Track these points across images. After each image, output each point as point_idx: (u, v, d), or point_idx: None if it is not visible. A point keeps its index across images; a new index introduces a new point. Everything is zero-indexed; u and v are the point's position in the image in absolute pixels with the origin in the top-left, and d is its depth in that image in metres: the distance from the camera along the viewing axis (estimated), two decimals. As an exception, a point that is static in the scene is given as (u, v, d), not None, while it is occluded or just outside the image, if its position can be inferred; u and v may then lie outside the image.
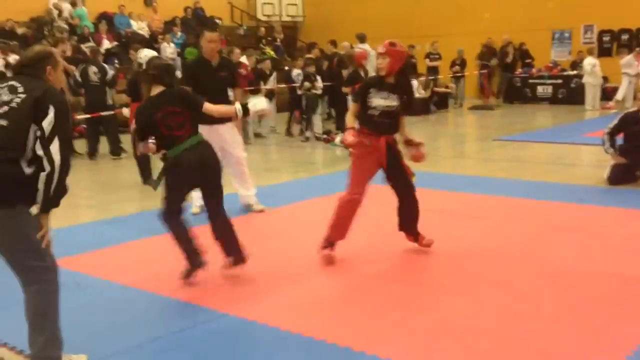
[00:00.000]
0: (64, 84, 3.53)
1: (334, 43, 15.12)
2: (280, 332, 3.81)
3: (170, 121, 4.42)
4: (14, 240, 3.18)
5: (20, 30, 15.07)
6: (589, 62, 15.98)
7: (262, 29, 20.28)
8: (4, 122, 3.13)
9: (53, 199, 3.16)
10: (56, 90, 3.29)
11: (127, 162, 10.04)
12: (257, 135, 13.15)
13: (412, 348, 3.57)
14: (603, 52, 17.72)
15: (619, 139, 7.67)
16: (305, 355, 3.55)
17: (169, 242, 4.87)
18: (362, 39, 14.35)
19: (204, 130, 6.07)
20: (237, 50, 12.68)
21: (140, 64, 8.70)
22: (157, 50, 16.84)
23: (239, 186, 6.90)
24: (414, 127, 14.42)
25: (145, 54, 8.74)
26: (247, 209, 6.81)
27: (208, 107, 4.55)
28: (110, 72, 11.02)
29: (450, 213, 6.51)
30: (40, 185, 3.10)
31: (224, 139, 6.51)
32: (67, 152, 3.17)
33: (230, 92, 6.81)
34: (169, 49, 17.12)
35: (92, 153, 11.00)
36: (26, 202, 3.15)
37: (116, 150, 10.93)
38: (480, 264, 4.95)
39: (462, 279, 4.65)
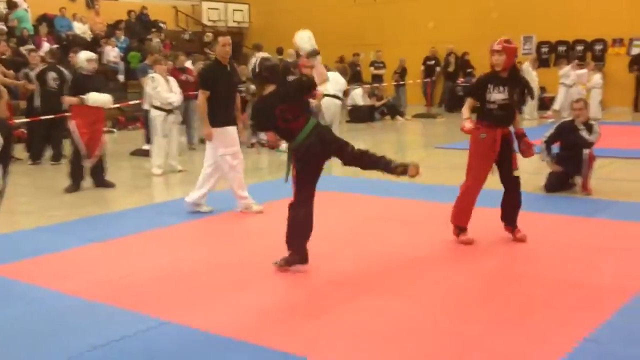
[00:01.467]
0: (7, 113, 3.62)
1: (280, 51, 15.15)
2: (223, 340, 3.80)
3: (287, 115, 4.78)
4: None
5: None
6: (527, 70, 16.41)
7: (208, 35, 20.15)
8: None
9: None
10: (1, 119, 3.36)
11: (67, 167, 9.83)
12: (202, 141, 13.01)
13: (350, 351, 3.60)
14: (542, 62, 18.24)
15: (556, 147, 7.90)
16: (248, 361, 3.55)
17: (108, 249, 4.81)
18: (259, 48, 14.39)
19: (216, 131, 6.65)
20: (181, 57, 12.55)
21: (80, 67, 8.55)
22: (100, 53, 16.57)
23: (239, 189, 6.94)
24: (358, 134, 14.57)
25: (82, 57, 8.61)
26: (248, 209, 6.94)
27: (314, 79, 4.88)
28: (70, 77, 10.73)
29: (394, 220, 6.60)
30: None
31: (236, 141, 6.83)
32: (7, 178, 3.35)
33: None
34: (113, 53, 16.85)
35: (38, 158, 10.71)
36: None
37: (57, 156, 10.68)
38: (419, 268, 5.04)
39: (405, 283, 4.72)
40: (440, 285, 4.68)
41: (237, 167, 6.81)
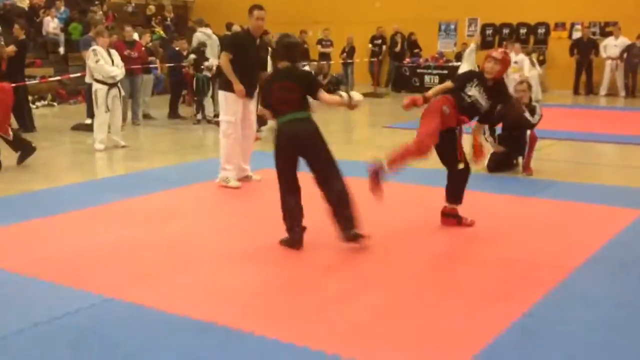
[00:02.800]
0: None
1: (228, 26, 14.93)
2: (167, 316, 3.75)
3: (282, 94, 4.82)
4: None
5: None
6: (471, 51, 16.67)
7: (152, 7, 19.70)
8: None
9: None
10: None
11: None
12: (146, 116, 12.80)
13: (293, 330, 3.62)
14: (486, 45, 18.51)
15: (498, 128, 8.04)
16: (193, 339, 3.52)
17: (49, 225, 4.69)
18: (200, 23, 14.20)
19: (225, 95, 6.82)
20: (128, 28, 12.25)
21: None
22: (39, 24, 16.05)
23: (242, 160, 7.08)
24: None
25: None
26: (246, 179, 7.14)
27: (323, 95, 4.93)
28: None
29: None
30: None
31: (251, 111, 6.97)
32: None
33: None
34: (52, 24, 16.33)
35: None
36: None
37: None
38: (375, 251, 5.09)
39: (346, 260, 4.76)
40: (380, 265, 4.73)
41: (230, 136, 6.85)
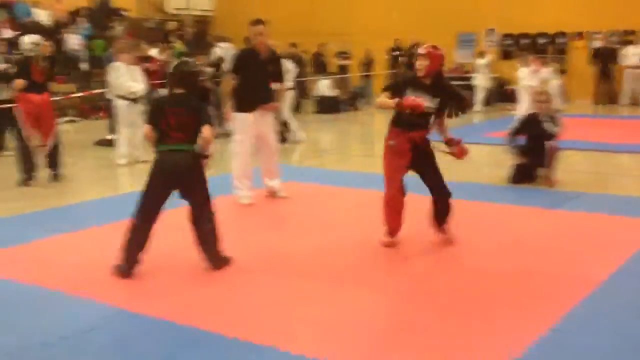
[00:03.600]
0: None
1: (247, 41, 15.01)
2: (191, 330, 3.77)
3: (173, 120, 4.58)
4: None
5: None
6: (479, 63, 16.64)
7: (171, 23, 19.89)
8: None
9: None
10: None
11: (11, 159, 9.66)
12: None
13: (323, 345, 3.61)
14: (505, 55, 18.49)
15: (521, 139, 8.00)
16: (218, 353, 3.53)
17: (73, 240, 4.74)
18: (220, 39, 14.38)
19: (256, 114, 6.74)
20: (144, 45, 12.37)
21: (26, 50, 8.31)
22: (61, 40, 16.25)
23: (267, 175, 7.12)
24: (324, 126, 14.59)
25: (27, 40, 8.39)
26: (272, 195, 7.14)
27: (205, 131, 4.64)
28: (2, 65, 10.46)
29: (358, 209, 6.62)
30: None
31: (268, 125, 6.92)
32: None
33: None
34: (73, 40, 16.53)
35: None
36: None
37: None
38: (384, 258, 5.10)
39: (372, 273, 4.75)
40: (409, 279, 4.72)
41: (238, 155, 6.86)
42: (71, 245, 5.52)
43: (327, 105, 16.53)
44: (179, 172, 4.63)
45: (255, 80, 6.69)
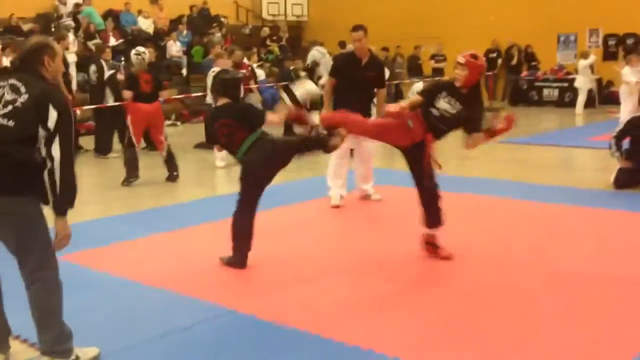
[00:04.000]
0: (61, 75, 3.50)
1: (342, 45, 15.11)
2: (288, 329, 3.83)
3: (224, 132, 4.83)
4: (18, 235, 3.21)
5: (25, 27, 15.07)
6: (581, 64, 15.99)
7: (267, 29, 20.28)
8: (10, 123, 3.14)
9: (63, 198, 3.18)
10: (53, 89, 3.28)
11: (116, 161, 10.08)
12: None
13: (417, 347, 3.59)
14: (609, 56, 17.73)
15: (626, 143, 7.68)
16: (313, 353, 3.57)
17: (175, 239, 4.91)
18: (315, 43, 14.42)
19: None
20: (238, 52, 12.64)
21: (132, 62, 8.67)
22: (163, 48, 16.90)
23: (361, 179, 7.17)
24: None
25: (132, 52, 8.74)
26: (366, 198, 7.17)
27: (269, 118, 4.91)
28: (108, 72, 10.96)
29: (455, 215, 6.51)
30: (46, 184, 3.14)
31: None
32: (68, 148, 3.17)
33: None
34: (175, 47, 17.14)
35: (99, 150, 11.00)
36: (38, 195, 3.20)
37: (102, 150, 10.88)
38: (484, 266, 4.97)
39: (466, 281, 4.66)
40: (501, 285, 4.61)
41: (333, 157, 6.86)
42: (172, 244, 5.72)
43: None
44: (269, 158, 4.85)
45: (354, 85, 6.69)
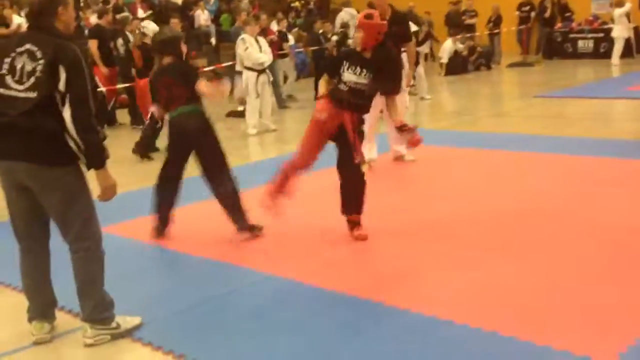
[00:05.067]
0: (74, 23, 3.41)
1: (371, 5, 14.86)
2: (326, 292, 3.86)
3: (167, 91, 4.80)
4: (62, 203, 3.26)
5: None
6: (617, 13, 15.51)
7: (295, -7, 20.12)
8: (33, 94, 3.14)
9: (90, 156, 3.20)
10: (64, 46, 3.19)
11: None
12: (290, 97, 13.07)
13: (456, 306, 3.58)
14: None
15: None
16: (349, 313, 3.58)
17: (211, 208, 4.95)
18: (345, 4, 14.12)
19: None
20: (263, 17, 12.54)
21: (144, 35, 8.68)
22: (191, 17, 16.88)
23: (393, 141, 6.92)
24: (452, 86, 14.26)
25: (151, 28, 8.75)
26: (399, 159, 7.03)
27: (200, 86, 4.73)
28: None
29: (492, 172, 6.45)
30: (73, 147, 3.18)
31: None
32: (78, 105, 3.14)
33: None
34: (203, 17, 17.10)
35: (134, 122, 11.10)
36: (75, 162, 3.25)
37: (136, 121, 10.90)
38: (525, 221, 4.91)
39: (506, 238, 4.62)
40: (554, 248, 4.55)
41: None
42: (208, 212, 5.75)
43: (454, 66, 16.11)
44: (187, 134, 4.81)
45: None
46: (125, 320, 3.52)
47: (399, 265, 4.25)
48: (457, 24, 17.71)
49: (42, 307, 3.52)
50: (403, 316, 3.50)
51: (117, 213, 5.28)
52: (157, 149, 8.40)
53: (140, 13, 15.73)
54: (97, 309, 3.42)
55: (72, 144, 3.18)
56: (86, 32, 12.57)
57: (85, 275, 3.39)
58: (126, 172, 7.68)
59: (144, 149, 8.34)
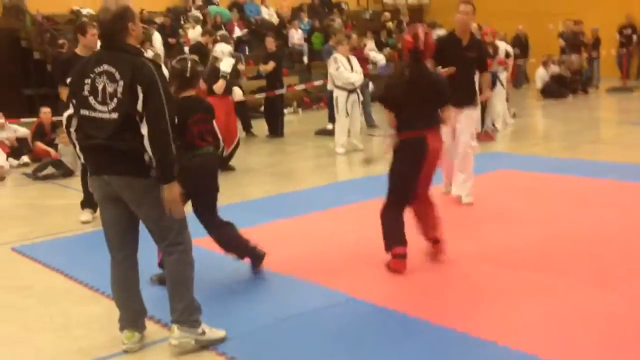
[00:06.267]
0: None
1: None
2: (408, 318, 3.82)
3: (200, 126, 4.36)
4: (156, 211, 3.38)
5: (158, 20, 15.82)
6: None
7: (387, 13, 20.15)
8: (115, 115, 3.27)
9: (162, 170, 3.27)
10: (140, 64, 3.27)
11: (258, 148, 10.35)
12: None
13: (547, 337, 3.47)
14: None
15: None
16: (434, 341, 3.54)
17: (296, 225, 5.00)
18: (433, 25, 13.95)
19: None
20: (354, 36, 12.59)
21: (216, 58, 8.80)
22: (285, 36, 17.20)
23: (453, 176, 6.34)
24: (549, 111, 13.86)
25: (221, 49, 8.86)
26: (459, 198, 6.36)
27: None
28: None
29: (589, 200, 6.22)
30: (146, 158, 3.27)
31: (464, 121, 6.15)
32: (155, 123, 3.20)
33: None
34: (297, 35, 17.40)
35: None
36: None
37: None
38: (617, 252, 4.73)
39: (597, 267, 4.46)
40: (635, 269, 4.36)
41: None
42: (294, 230, 5.83)
43: (550, 90, 15.67)
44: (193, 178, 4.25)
45: (456, 70, 5.94)
46: (211, 330, 3.61)
47: (483, 291, 4.16)
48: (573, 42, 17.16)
49: (133, 316, 3.66)
50: (489, 349, 3.41)
51: (201, 228, 5.43)
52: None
53: (237, 31, 16.18)
54: (187, 311, 3.52)
55: (146, 158, 3.29)
56: (186, 49, 13.04)
57: (178, 277, 3.51)
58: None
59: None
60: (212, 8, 17.00)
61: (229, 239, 4.60)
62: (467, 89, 6.19)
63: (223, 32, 12.94)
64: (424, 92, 4.54)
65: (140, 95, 3.22)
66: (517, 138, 10.68)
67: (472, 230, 5.54)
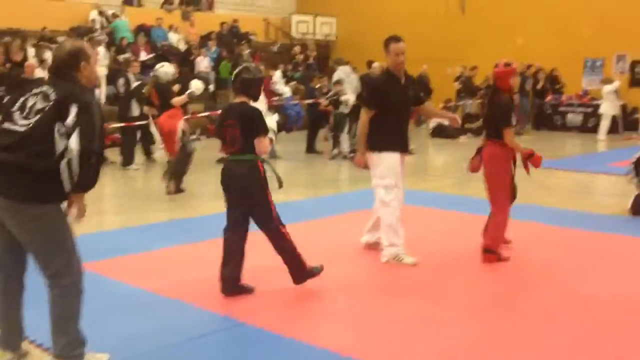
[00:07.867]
0: (97, 77, 3.51)
1: (369, 64, 15.20)
2: (295, 343, 3.91)
3: (229, 131, 4.66)
4: (42, 240, 3.32)
5: (60, 39, 15.42)
6: (605, 90, 15.96)
7: (297, 48, 20.52)
8: (30, 131, 3.21)
9: (80, 183, 3.24)
10: (80, 90, 3.33)
11: (158, 172, 10.24)
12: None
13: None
14: (636, 82, 17.64)
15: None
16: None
17: (193, 251, 5.00)
18: (339, 62, 14.67)
19: (373, 157, 5.54)
20: (261, 68, 12.75)
21: (156, 76, 8.88)
22: (192, 63, 17.17)
23: (390, 231, 5.61)
24: (441, 152, 14.46)
25: (165, 70, 8.94)
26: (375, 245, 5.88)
27: (259, 142, 4.73)
28: (135, 83, 11.20)
29: (472, 237, 6.55)
30: (64, 174, 3.21)
31: (397, 171, 5.60)
32: (88, 142, 3.19)
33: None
34: (203, 63, 17.40)
35: (123, 162, 11.21)
36: (58, 200, 3.30)
37: (126, 161, 11.12)
38: (501, 287, 5.01)
39: (480, 301, 4.72)
40: (520, 305, 4.63)
41: (391, 203, 5.53)
42: (188, 256, 5.83)
43: (440, 130, 16.49)
44: (232, 181, 4.85)
45: (399, 112, 5.60)
46: (94, 357, 3.55)
47: (387, 322, 4.31)
48: (470, 89, 18.10)
49: (8, 336, 3.56)
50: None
51: (96, 251, 5.36)
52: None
53: (143, 55, 16.02)
54: (71, 345, 3.43)
55: (66, 173, 3.19)
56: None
57: (64, 311, 3.41)
58: (106, 211, 7.76)
59: (177, 185, 8.53)
60: (115, 22, 16.87)
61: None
62: (406, 130, 5.78)
63: (127, 55, 12.83)
64: None
65: (74, 111, 3.19)
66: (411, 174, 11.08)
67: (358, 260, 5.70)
